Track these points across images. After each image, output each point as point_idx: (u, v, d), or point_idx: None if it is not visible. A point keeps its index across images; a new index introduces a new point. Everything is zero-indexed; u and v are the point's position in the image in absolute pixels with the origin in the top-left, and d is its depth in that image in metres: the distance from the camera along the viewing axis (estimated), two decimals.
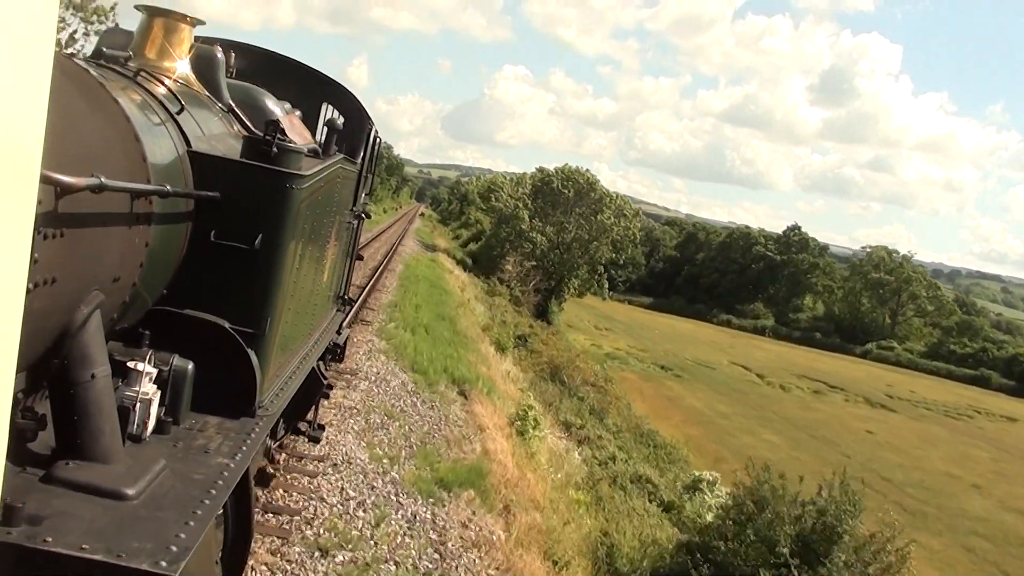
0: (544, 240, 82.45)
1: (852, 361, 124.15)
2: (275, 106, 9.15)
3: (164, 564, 4.15)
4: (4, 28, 1.97)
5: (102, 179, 4.33)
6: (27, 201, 2.23)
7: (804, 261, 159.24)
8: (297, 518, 10.78)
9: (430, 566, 11.17)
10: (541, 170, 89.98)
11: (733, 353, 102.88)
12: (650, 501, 26.65)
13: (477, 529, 13.04)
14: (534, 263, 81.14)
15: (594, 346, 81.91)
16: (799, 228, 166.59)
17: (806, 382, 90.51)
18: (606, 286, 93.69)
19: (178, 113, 6.52)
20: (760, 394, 79.61)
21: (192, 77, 7.78)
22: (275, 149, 6.67)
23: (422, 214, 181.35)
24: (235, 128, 8.09)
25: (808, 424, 67.87)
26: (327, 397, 12.91)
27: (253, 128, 8.16)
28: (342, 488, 12.30)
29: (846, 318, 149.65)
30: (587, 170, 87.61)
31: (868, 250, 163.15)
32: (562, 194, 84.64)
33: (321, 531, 10.64)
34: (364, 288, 31.65)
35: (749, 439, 56.24)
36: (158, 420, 5.64)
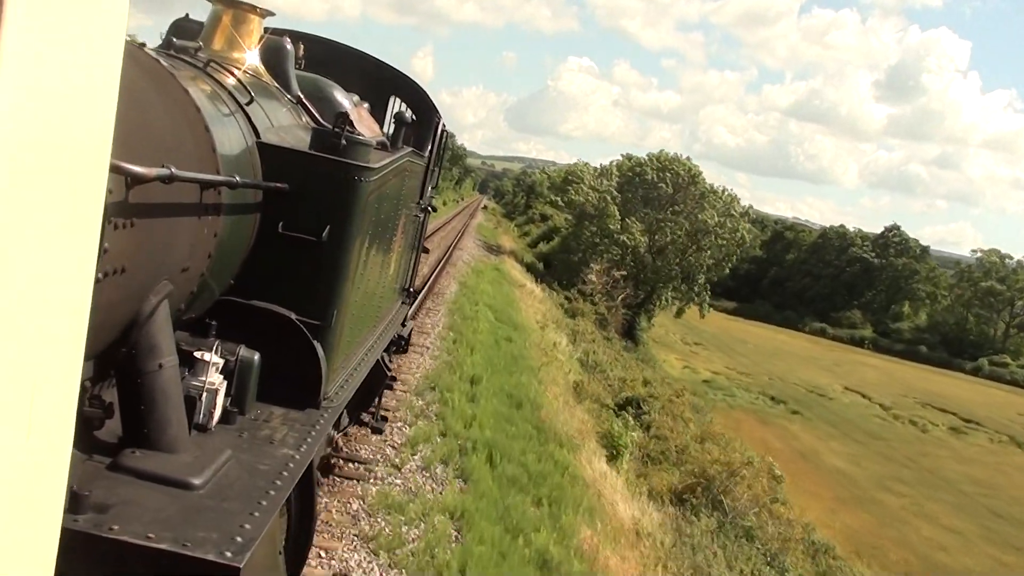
0: (641, 243, 69.60)
1: (965, 380, 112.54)
2: (344, 98, 9.15)
3: (229, 555, 4.15)
4: (75, 15, 1.96)
5: (172, 170, 4.33)
6: (97, 190, 2.22)
7: (905, 265, 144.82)
8: None
9: None
10: (629, 157, 77.79)
11: (841, 373, 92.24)
12: None
13: None
14: (624, 273, 68.69)
15: (687, 369, 73.09)
16: (899, 228, 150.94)
17: (935, 414, 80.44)
18: (707, 300, 77.81)
19: (247, 104, 6.53)
20: (898, 437, 69.16)
21: (261, 68, 7.80)
22: (344, 141, 6.67)
23: (484, 207, 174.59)
24: (304, 120, 8.10)
25: (977, 488, 57.77)
26: (391, 388, 12.93)
27: (322, 120, 8.16)
28: None
29: (952, 329, 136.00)
30: (688, 158, 74.44)
31: (979, 255, 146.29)
32: (657, 187, 72.08)
33: None
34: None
35: (927, 528, 45.95)
36: (224, 410, 5.66)
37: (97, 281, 3.97)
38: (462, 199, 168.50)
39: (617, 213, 70.07)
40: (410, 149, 9.74)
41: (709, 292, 77.41)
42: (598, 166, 79.79)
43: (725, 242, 72.17)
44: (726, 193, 74.00)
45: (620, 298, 66.64)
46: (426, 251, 16.61)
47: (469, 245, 61.10)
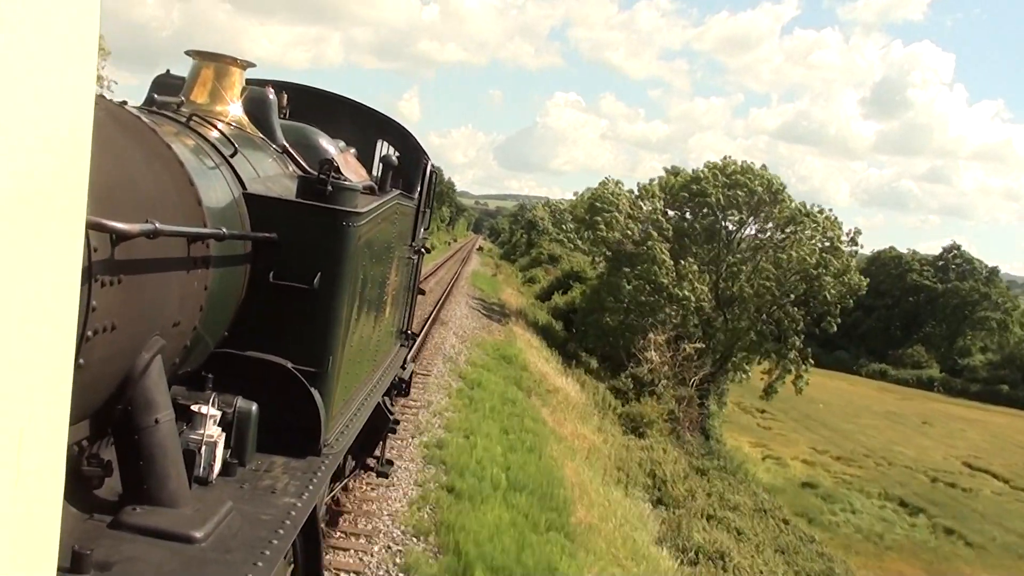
0: (704, 297, 48.97)
1: None
2: (329, 145, 9.18)
3: None
4: (44, 71, 1.97)
5: (157, 224, 4.35)
6: (74, 247, 2.23)
7: (972, 289, 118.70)
8: None
9: None
10: (676, 172, 57.37)
11: (939, 436, 75.29)
12: None
13: None
14: (700, 346, 47.75)
15: (771, 459, 53.80)
16: (960, 249, 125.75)
17: None
18: (807, 370, 52.22)
19: (232, 156, 6.56)
20: None
21: (245, 120, 7.84)
22: (330, 188, 6.69)
23: (480, 248, 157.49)
24: (290, 168, 8.13)
25: None
26: (394, 432, 12.90)
27: (308, 168, 8.19)
28: None
29: None
30: (763, 167, 52.87)
31: None
32: (723, 211, 51.39)
33: None
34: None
35: None
36: (224, 462, 5.65)
37: (87, 339, 3.98)
38: (455, 240, 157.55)
39: (667, 256, 49.06)
40: (398, 192, 9.77)
41: (809, 361, 52.81)
42: (634, 188, 57.18)
43: (830, 289, 49.58)
44: (824, 216, 51.83)
45: (694, 382, 45.91)
46: (422, 292, 16.62)
47: (459, 310, 41.21)
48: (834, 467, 56.70)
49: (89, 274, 3.91)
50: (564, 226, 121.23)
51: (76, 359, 3.63)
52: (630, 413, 37.68)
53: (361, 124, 11.76)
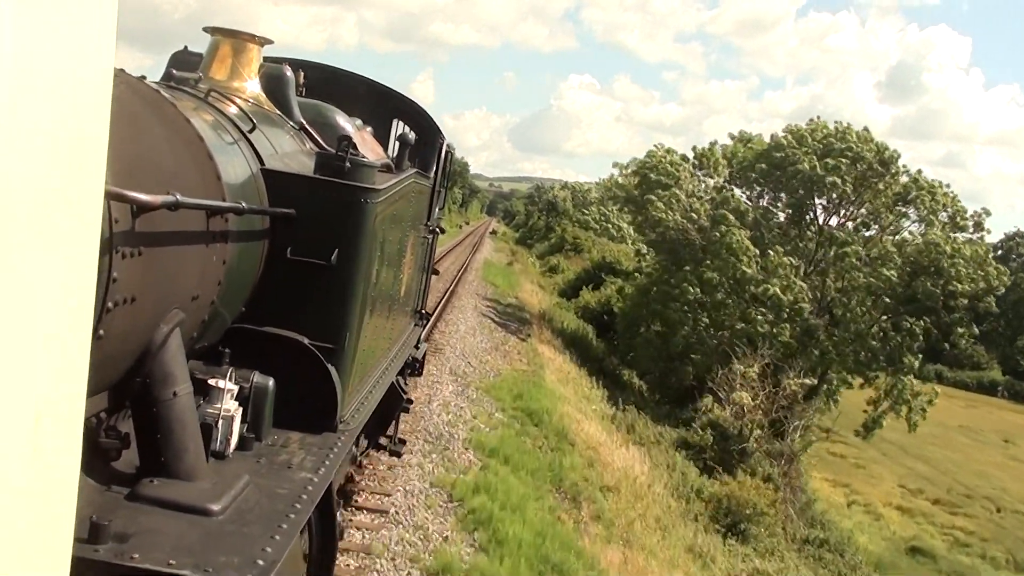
0: (803, 299, 37.05)
1: None
2: (346, 122, 9.17)
3: None
4: (63, 43, 1.97)
5: (178, 196, 4.36)
6: (93, 215, 2.23)
7: None
8: None
9: None
10: (746, 140, 45.37)
11: None
12: None
13: None
14: (805, 383, 34.93)
15: (857, 504, 43.00)
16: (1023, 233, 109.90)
17: None
18: (931, 401, 39.26)
19: (250, 132, 6.57)
20: None
21: (263, 96, 7.84)
22: (348, 164, 6.69)
23: (493, 232, 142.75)
24: (307, 146, 8.13)
25: None
26: (407, 411, 12.92)
27: (325, 145, 8.19)
28: None
29: None
30: (865, 129, 41.16)
31: None
32: (814, 184, 39.50)
33: None
34: None
35: None
36: (241, 437, 5.66)
37: (107, 311, 3.99)
38: (467, 223, 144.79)
39: (748, 243, 37.72)
40: (415, 170, 9.76)
41: (936, 389, 40.59)
42: (692, 153, 45.33)
43: (965, 284, 37.16)
44: (944, 192, 40.04)
45: (798, 430, 34.07)
46: (436, 272, 16.63)
47: (465, 321, 30.60)
48: (938, 517, 46.75)
49: (110, 245, 3.91)
50: (586, 209, 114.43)
51: (96, 331, 3.65)
52: (722, 498, 24.90)
53: (377, 103, 11.75)
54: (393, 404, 10.47)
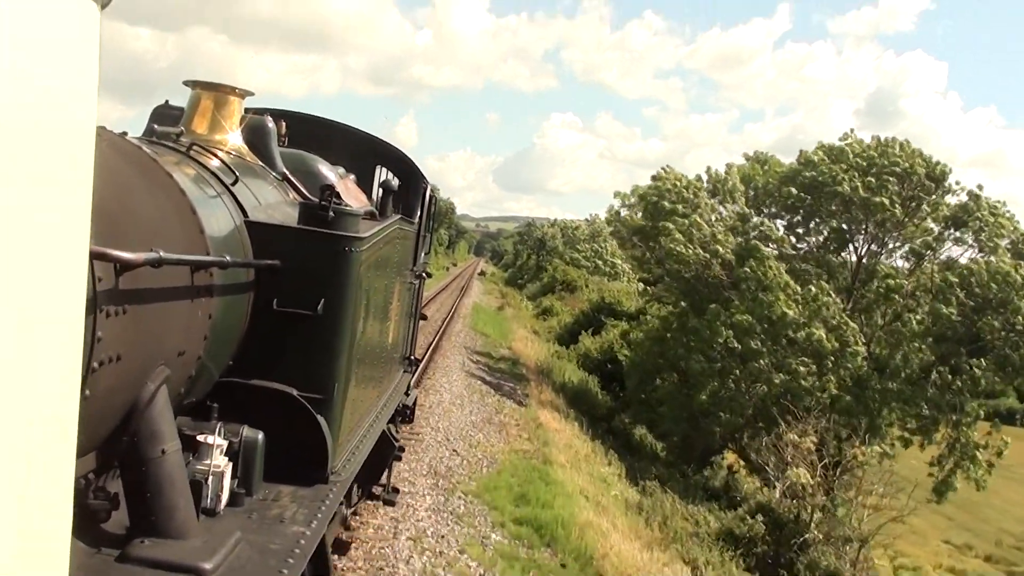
0: (857, 337, 31.77)
1: None
2: (329, 171, 9.18)
3: None
4: (46, 103, 1.97)
5: (161, 253, 4.33)
6: (78, 278, 2.22)
7: None
8: None
9: None
10: (759, 159, 40.66)
11: None
12: None
13: None
14: (868, 455, 29.01)
15: (905, 568, 36.15)
16: None
17: None
18: (1002, 452, 33.57)
19: (233, 184, 6.56)
20: None
21: (245, 148, 7.84)
22: (332, 213, 6.68)
23: (482, 273, 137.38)
24: (291, 196, 8.13)
25: None
26: (399, 459, 12.85)
27: (308, 195, 8.18)
28: None
29: None
30: (907, 142, 35.87)
31: None
32: (856, 206, 34.22)
33: None
34: None
35: None
36: (231, 492, 5.61)
37: (93, 370, 3.95)
38: (455, 264, 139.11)
39: (788, 278, 32.31)
40: (399, 216, 9.75)
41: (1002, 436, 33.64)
42: (705, 175, 39.04)
43: None
44: (1002, 213, 34.49)
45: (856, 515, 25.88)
46: (424, 318, 16.59)
47: (451, 385, 26.37)
48: None
49: (94, 304, 3.89)
50: (578, 247, 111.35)
51: (82, 390, 3.61)
52: None
53: (359, 150, 11.77)
54: (385, 452, 10.41)
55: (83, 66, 2.11)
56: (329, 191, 6.85)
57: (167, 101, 8.44)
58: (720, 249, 33.65)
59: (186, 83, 7.83)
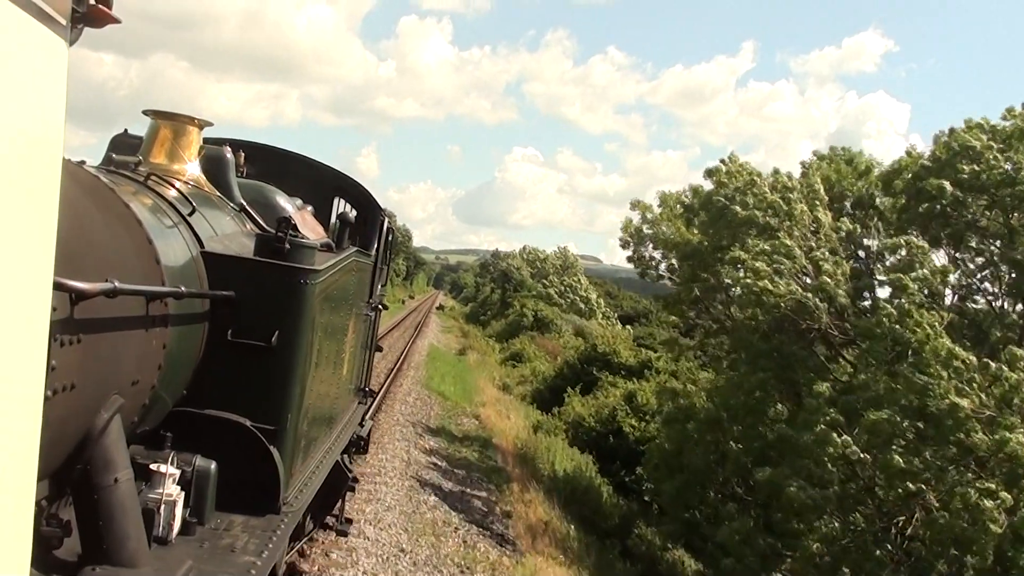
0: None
1: None
2: (286, 203, 9.22)
3: None
4: (10, 136, 2.01)
5: (116, 283, 4.37)
6: (41, 308, 2.26)
7: None
8: None
9: None
10: (847, 156, 27.41)
11: None
12: None
13: None
14: None
15: None
16: None
17: None
18: None
19: (190, 215, 6.59)
20: None
21: (203, 178, 7.87)
22: (287, 245, 6.73)
23: (440, 307, 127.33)
24: (248, 227, 8.16)
25: None
26: (353, 490, 12.85)
27: (265, 226, 8.22)
28: None
29: None
30: None
31: None
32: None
33: None
34: None
35: None
36: (183, 521, 5.63)
37: (47, 399, 3.97)
38: (412, 297, 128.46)
39: (955, 348, 17.58)
40: (356, 248, 9.80)
41: None
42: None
43: None
44: None
45: None
46: (380, 349, 16.60)
47: (391, 478, 18.26)
48: None
49: (48, 333, 3.92)
50: (549, 279, 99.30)
51: None
52: None
53: (318, 181, 11.81)
54: (339, 483, 10.41)
55: (51, 100, 2.16)
56: (285, 223, 6.90)
57: (126, 130, 8.48)
58: (831, 283, 21.10)
59: (145, 112, 7.86)
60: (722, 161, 26.52)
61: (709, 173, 26.33)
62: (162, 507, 5.34)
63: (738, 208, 23.67)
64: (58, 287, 3.92)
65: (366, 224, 11.64)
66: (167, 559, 5.10)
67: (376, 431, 20.44)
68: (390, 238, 13.11)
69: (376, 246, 11.50)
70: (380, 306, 12.99)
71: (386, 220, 12.30)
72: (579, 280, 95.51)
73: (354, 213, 11.18)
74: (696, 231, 27.58)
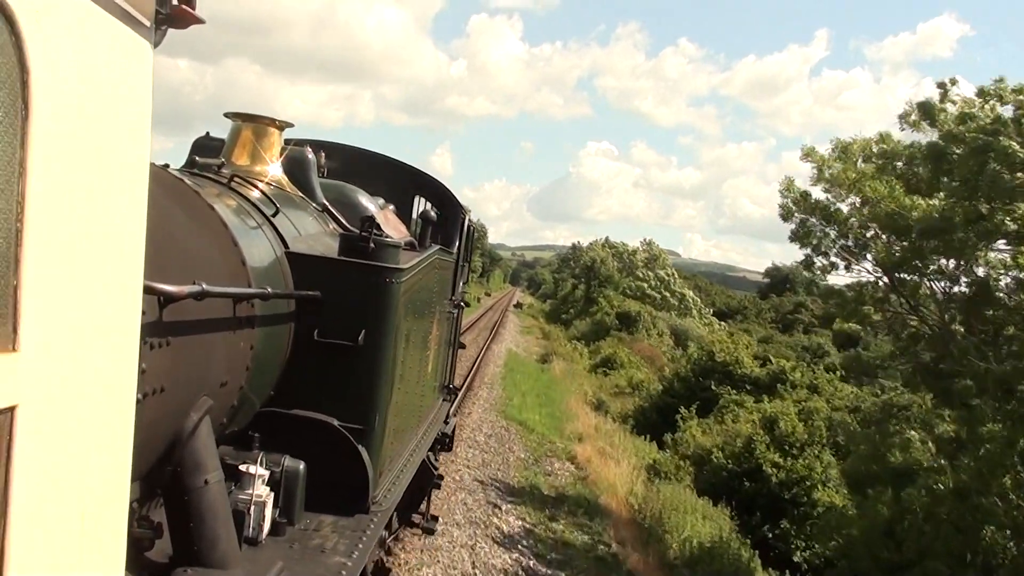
0: None
1: None
2: (369, 202, 9.22)
3: None
4: (99, 140, 1.99)
5: (204, 286, 4.37)
6: (132, 312, 2.25)
7: None
8: None
9: None
10: None
11: None
12: None
13: None
14: None
15: None
16: None
17: None
18: None
19: (273, 215, 6.60)
20: None
21: (285, 179, 7.90)
22: (372, 244, 6.71)
23: (517, 305, 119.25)
24: (330, 227, 8.17)
25: None
26: (438, 487, 12.85)
27: (348, 225, 8.23)
28: None
29: None
30: None
31: None
32: None
33: None
34: None
35: None
36: (273, 522, 5.63)
37: (137, 402, 3.99)
38: (488, 294, 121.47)
39: None
40: (438, 247, 9.79)
41: None
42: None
43: None
44: None
45: None
46: (463, 346, 16.61)
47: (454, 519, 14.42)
48: None
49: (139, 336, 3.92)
50: (638, 272, 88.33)
51: None
52: None
53: (398, 180, 11.82)
54: (424, 481, 10.41)
55: (137, 103, 2.16)
56: (369, 222, 6.89)
57: (207, 133, 8.54)
58: None
59: (227, 115, 7.91)
60: (942, 88, 19.18)
61: (924, 111, 18.77)
62: (252, 508, 5.35)
63: (1016, 145, 14.96)
64: (147, 290, 3.92)
65: (447, 222, 11.62)
66: (258, 560, 5.11)
67: (434, 499, 13.00)
68: (471, 235, 13.09)
69: (458, 243, 11.48)
70: (462, 303, 12.99)
71: (467, 217, 12.28)
72: (671, 273, 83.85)
73: (435, 212, 11.17)
74: (918, 196, 18.91)
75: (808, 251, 21.88)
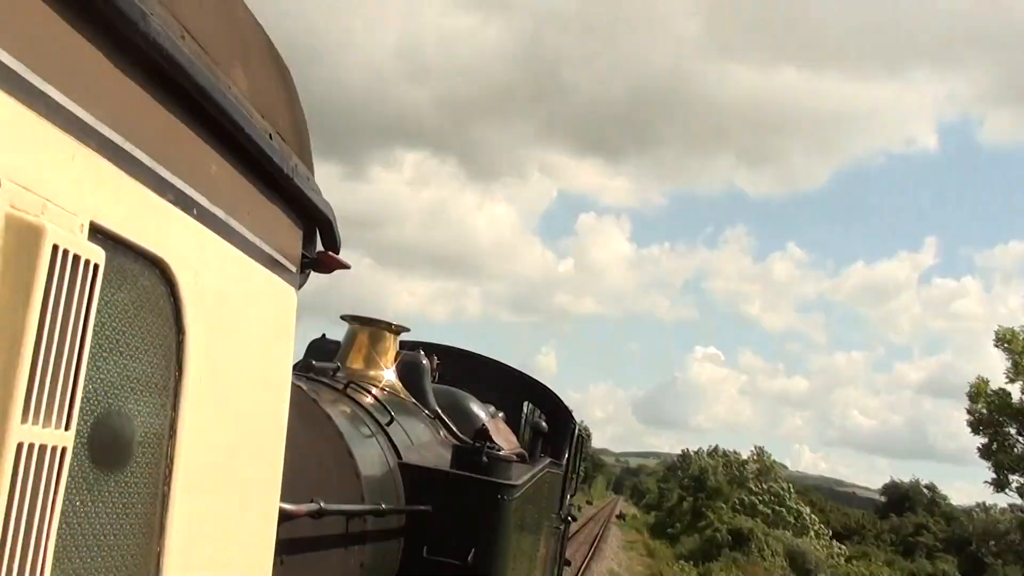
0: None
1: None
2: (480, 410, 9.15)
3: None
4: (246, 380, 1.98)
5: (322, 504, 4.25)
6: (267, 539, 2.29)
7: None
8: None
9: None
10: None
11: None
12: None
13: None
14: None
15: None
16: None
17: None
18: None
19: (388, 424, 6.53)
20: None
21: (399, 385, 7.90)
22: (485, 458, 6.58)
23: (620, 516, 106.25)
24: (442, 435, 8.10)
25: None
26: None
27: (459, 433, 8.15)
28: None
29: None
30: None
31: None
32: None
33: None
34: None
35: None
36: None
37: None
38: (590, 503, 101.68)
39: None
40: (548, 460, 9.65)
41: None
42: None
43: None
44: None
45: None
46: (568, 563, 16.20)
47: None
48: None
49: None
50: (750, 485, 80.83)
51: None
52: None
53: (508, 385, 11.80)
54: None
55: (281, 344, 2.22)
56: (482, 435, 6.81)
57: (324, 335, 8.59)
58: None
59: (344, 317, 7.98)
60: None
61: None
62: None
63: None
64: None
65: (556, 431, 11.48)
66: None
67: None
68: (581, 445, 12.90)
69: (567, 455, 11.30)
70: (569, 517, 12.70)
71: (577, 426, 12.14)
72: (786, 488, 77.20)
73: (544, 422, 11.04)
74: None
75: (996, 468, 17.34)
